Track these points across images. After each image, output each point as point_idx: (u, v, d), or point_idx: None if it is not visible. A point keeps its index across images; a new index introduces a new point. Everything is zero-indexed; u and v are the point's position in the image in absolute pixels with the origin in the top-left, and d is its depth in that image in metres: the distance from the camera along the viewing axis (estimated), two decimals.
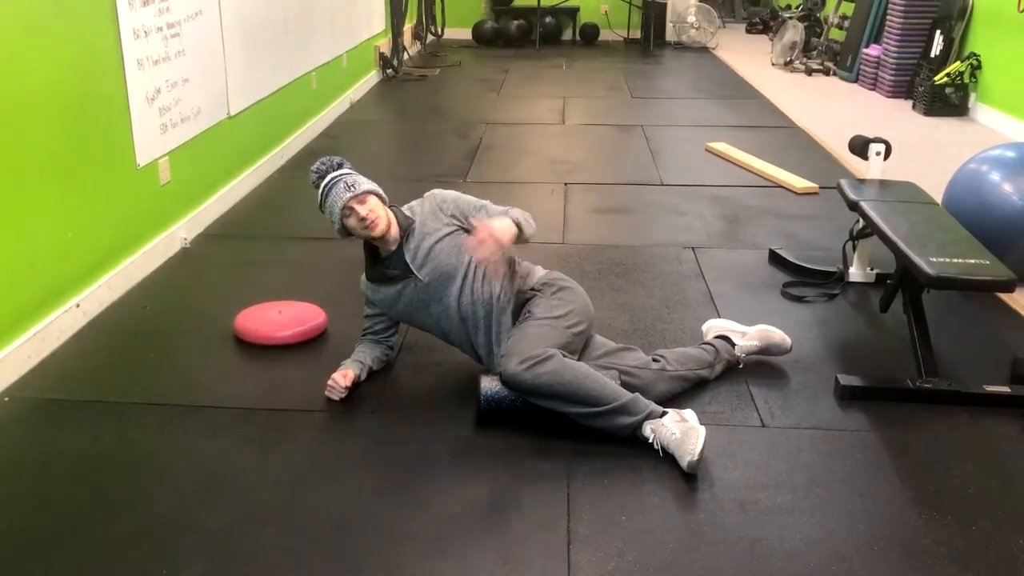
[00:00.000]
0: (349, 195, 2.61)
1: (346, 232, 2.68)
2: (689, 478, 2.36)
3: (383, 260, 2.72)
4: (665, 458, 2.42)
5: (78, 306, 3.19)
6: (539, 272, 2.82)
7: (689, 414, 2.50)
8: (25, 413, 2.68)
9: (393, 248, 2.69)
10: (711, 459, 2.44)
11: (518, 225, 2.64)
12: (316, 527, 2.18)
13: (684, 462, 2.37)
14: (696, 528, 2.18)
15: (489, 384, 2.58)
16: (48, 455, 2.47)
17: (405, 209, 2.74)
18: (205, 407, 2.71)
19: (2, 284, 2.82)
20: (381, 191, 2.71)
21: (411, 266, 2.67)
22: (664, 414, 2.48)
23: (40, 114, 2.98)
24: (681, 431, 2.41)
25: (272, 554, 2.08)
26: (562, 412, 2.50)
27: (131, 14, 3.49)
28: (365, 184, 2.66)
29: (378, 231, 2.63)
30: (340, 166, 2.69)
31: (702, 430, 2.41)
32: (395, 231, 2.67)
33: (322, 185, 2.67)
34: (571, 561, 2.07)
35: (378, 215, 2.63)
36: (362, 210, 2.61)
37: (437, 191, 2.80)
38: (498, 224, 2.58)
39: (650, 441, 2.45)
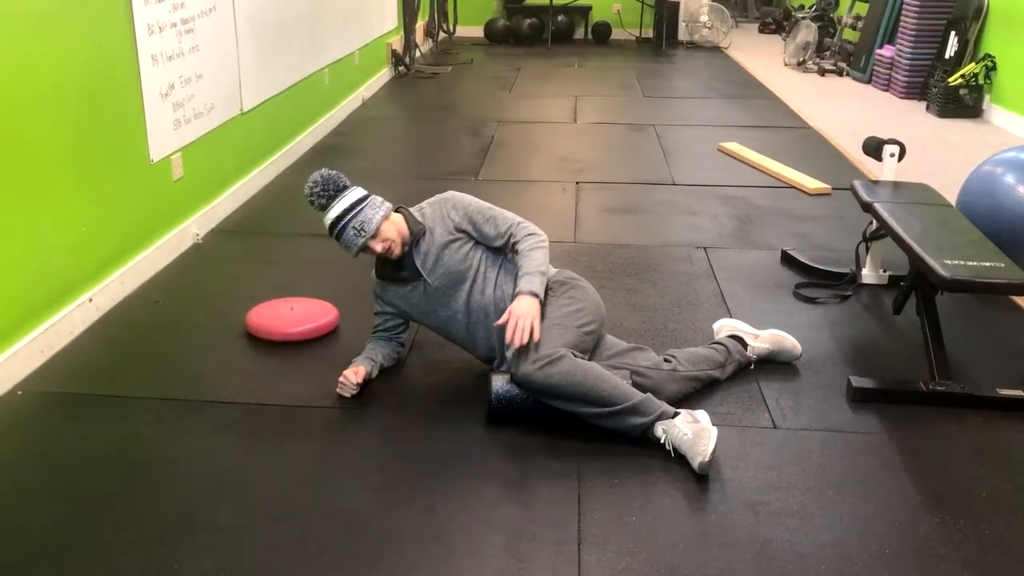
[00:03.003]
0: (362, 240, 2.60)
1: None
2: (700, 479, 2.36)
3: (393, 262, 2.72)
4: (676, 458, 2.41)
5: (91, 301, 3.21)
6: (551, 271, 2.81)
7: (701, 415, 2.49)
8: (38, 407, 2.69)
9: (404, 251, 2.69)
10: (722, 460, 2.44)
11: (542, 274, 2.62)
12: (326, 524, 2.18)
13: (695, 463, 2.36)
14: (706, 529, 2.18)
15: (500, 383, 2.58)
16: (60, 449, 2.48)
17: (415, 211, 2.73)
18: (216, 403, 2.71)
19: (16, 279, 2.83)
20: (388, 206, 2.66)
21: (421, 270, 2.68)
22: (676, 415, 2.47)
23: (54, 109, 2.99)
24: (693, 432, 2.40)
25: (282, 550, 2.09)
26: (573, 411, 2.49)
27: (146, 10, 3.50)
28: (375, 220, 2.60)
29: (396, 254, 2.65)
30: (341, 191, 2.63)
31: (714, 431, 2.41)
32: (406, 236, 2.67)
33: (328, 224, 2.63)
34: (581, 560, 2.06)
35: (392, 239, 2.62)
36: (379, 246, 2.62)
37: (447, 195, 2.76)
38: (523, 306, 2.52)
39: (662, 441, 2.44)
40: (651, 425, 2.46)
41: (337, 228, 2.62)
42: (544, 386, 2.46)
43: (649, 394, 2.51)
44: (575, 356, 2.50)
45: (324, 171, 2.67)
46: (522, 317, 2.49)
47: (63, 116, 3.05)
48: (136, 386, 2.81)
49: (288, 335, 3.08)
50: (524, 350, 2.49)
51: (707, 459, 2.34)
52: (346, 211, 2.61)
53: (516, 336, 2.48)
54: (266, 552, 2.08)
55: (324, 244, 3.99)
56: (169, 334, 3.17)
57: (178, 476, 2.36)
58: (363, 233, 2.60)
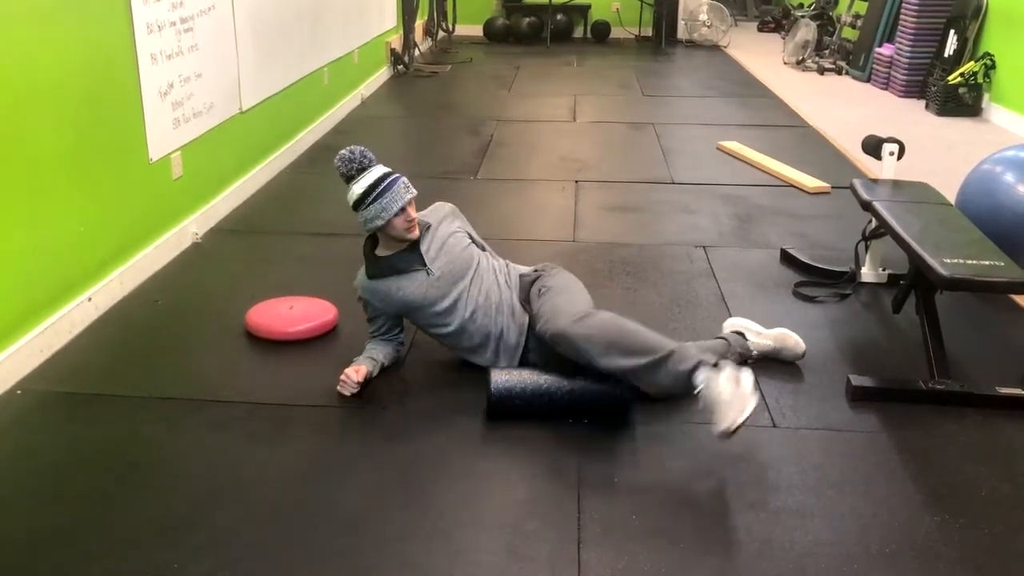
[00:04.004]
0: (410, 196, 2.67)
1: (379, 228, 2.68)
2: (699, 478, 2.36)
3: (387, 257, 2.76)
4: (683, 442, 2.40)
5: (90, 300, 3.20)
6: (521, 268, 2.94)
7: (746, 377, 2.36)
8: (37, 406, 2.69)
9: (405, 245, 2.74)
10: (721, 459, 2.44)
11: None
12: (325, 523, 2.18)
13: (720, 426, 2.27)
14: (706, 528, 2.17)
15: (499, 377, 2.59)
16: (60, 448, 2.48)
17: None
18: (216, 402, 2.71)
19: (15, 278, 2.83)
20: None
21: (425, 258, 2.72)
22: (720, 366, 2.38)
23: (54, 108, 2.99)
24: (730, 393, 2.30)
25: (281, 550, 2.09)
26: (613, 369, 2.48)
27: (145, 9, 3.50)
28: (412, 187, 2.72)
29: (415, 235, 2.72)
30: (373, 159, 2.72)
31: (753, 401, 2.29)
32: None
33: (377, 177, 2.66)
34: (581, 559, 2.06)
35: (416, 218, 2.72)
36: (413, 213, 2.69)
37: (442, 203, 2.92)
38: None
39: (698, 390, 2.38)
40: (693, 371, 2.39)
41: (387, 180, 2.65)
42: (583, 337, 2.48)
43: (688, 343, 2.56)
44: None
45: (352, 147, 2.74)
46: None
47: (62, 115, 3.04)
48: (136, 385, 2.80)
49: (288, 334, 3.08)
50: (558, 312, 2.58)
51: (732, 428, 2.26)
52: (391, 171, 2.70)
53: None
54: (266, 552, 2.08)
55: (324, 243, 4.00)
56: (168, 333, 3.17)
57: (178, 476, 2.36)
58: (409, 189, 2.68)
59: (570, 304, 2.62)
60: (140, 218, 3.57)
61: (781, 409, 2.70)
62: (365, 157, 2.69)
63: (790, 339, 2.97)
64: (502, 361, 2.76)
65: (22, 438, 2.52)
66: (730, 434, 2.28)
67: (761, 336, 2.95)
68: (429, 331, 2.84)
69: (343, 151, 2.70)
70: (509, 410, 2.59)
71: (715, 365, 2.40)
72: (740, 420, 2.27)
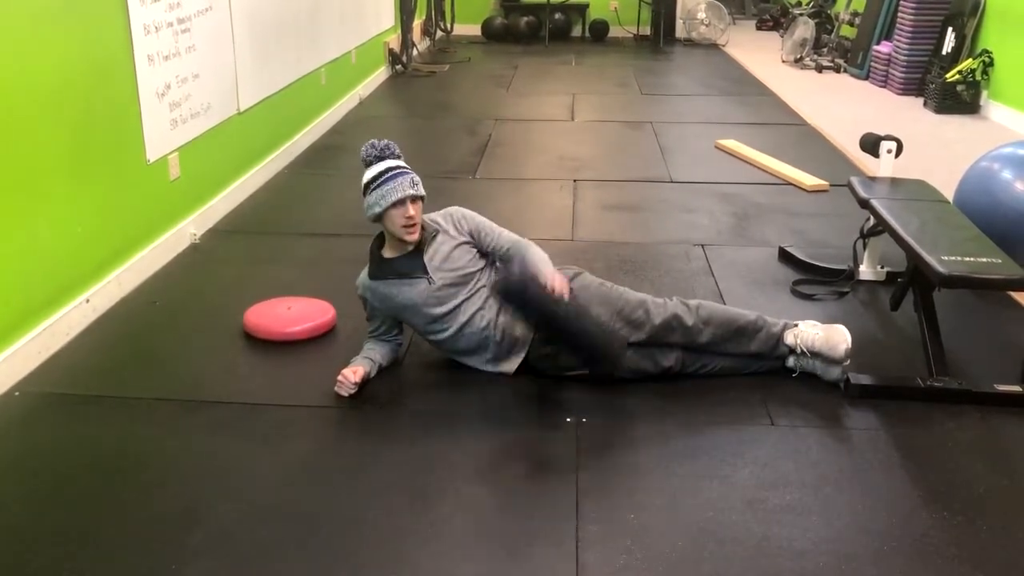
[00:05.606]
0: (412, 192, 2.66)
1: (378, 218, 2.70)
2: (697, 476, 2.36)
3: (391, 260, 2.77)
4: (681, 440, 2.40)
5: (87, 301, 3.20)
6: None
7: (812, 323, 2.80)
8: (35, 408, 2.69)
9: (410, 249, 2.74)
10: (719, 457, 2.44)
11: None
12: (324, 524, 2.18)
13: (840, 350, 2.69)
14: (705, 526, 2.18)
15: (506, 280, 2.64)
16: (57, 450, 2.48)
17: (426, 218, 2.81)
18: (214, 403, 2.71)
19: (12, 279, 2.83)
20: None
21: (428, 266, 2.72)
22: (794, 325, 2.80)
23: (51, 110, 2.99)
24: (824, 330, 2.73)
25: (280, 551, 2.09)
26: (709, 340, 2.76)
27: (142, 10, 3.50)
28: (422, 189, 2.71)
29: (415, 239, 2.71)
30: (396, 152, 2.74)
31: (843, 328, 2.72)
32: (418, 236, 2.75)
33: (386, 167, 2.68)
34: (580, 559, 2.06)
35: (418, 221, 2.71)
36: (412, 210, 2.68)
37: (456, 208, 2.88)
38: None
39: (795, 350, 2.76)
40: (782, 332, 2.77)
41: (396, 171, 2.67)
42: (706, 317, 2.76)
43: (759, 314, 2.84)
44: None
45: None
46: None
47: (59, 116, 3.04)
48: (134, 387, 2.80)
49: (286, 335, 3.08)
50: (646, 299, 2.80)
51: (850, 346, 2.68)
52: (406, 167, 2.72)
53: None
54: (265, 552, 2.08)
55: (322, 244, 4.00)
56: (166, 334, 3.16)
57: (176, 476, 2.36)
58: (416, 186, 2.68)
59: (635, 294, 2.83)
60: (138, 219, 3.57)
61: (779, 407, 2.70)
62: (388, 149, 2.72)
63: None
64: (503, 363, 2.79)
65: (21, 440, 2.52)
66: (847, 362, 2.71)
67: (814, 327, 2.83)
68: (427, 336, 2.84)
69: (373, 139, 2.75)
70: (517, 300, 2.60)
71: (795, 325, 2.79)
72: (849, 342, 2.69)
